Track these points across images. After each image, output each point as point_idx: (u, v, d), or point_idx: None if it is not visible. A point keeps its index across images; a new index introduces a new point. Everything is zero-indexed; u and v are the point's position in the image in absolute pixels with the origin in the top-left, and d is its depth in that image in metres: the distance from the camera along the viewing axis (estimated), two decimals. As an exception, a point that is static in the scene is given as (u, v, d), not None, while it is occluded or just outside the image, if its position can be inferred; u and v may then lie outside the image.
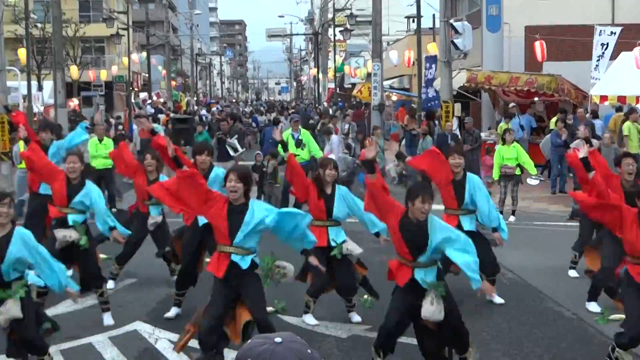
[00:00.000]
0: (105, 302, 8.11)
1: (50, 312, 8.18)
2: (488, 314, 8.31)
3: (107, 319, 8.08)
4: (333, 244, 7.87)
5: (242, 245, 6.17)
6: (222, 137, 16.47)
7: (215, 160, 16.75)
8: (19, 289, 6.02)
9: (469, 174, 8.46)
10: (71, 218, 7.89)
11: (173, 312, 8.30)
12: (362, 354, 6.94)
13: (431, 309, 5.93)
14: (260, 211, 6.16)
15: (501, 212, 13.60)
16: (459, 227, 8.04)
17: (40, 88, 30.98)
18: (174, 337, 7.42)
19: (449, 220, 7.88)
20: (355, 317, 8.19)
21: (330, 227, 7.92)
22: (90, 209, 8.00)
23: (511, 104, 21.22)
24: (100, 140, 15.84)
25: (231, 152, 16.35)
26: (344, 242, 7.95)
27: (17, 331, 6.07)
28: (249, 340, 2.25)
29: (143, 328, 7.98)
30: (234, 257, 6.19)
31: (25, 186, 14.93)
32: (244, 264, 6.21)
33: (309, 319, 8.09)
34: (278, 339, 2.21)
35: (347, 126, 22.55)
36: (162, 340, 7.57)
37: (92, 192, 7.93)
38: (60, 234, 7.78)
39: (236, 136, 17.88)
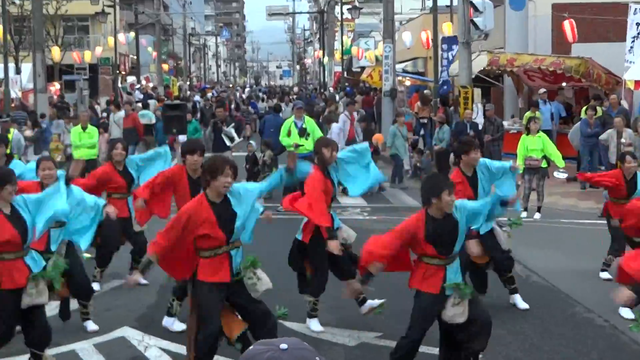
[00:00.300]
0: (86, 313, 8.12)
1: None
2: (511, 320, 8.30)
3: (90, 325, 8.10)
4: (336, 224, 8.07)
5: (237, 239, 6.37)
6: (219, 124, 16.48)
7: (211, 151, 16.83)
8: (52, 270, 6.54)
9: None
10: (53, 237, 7.69)
11: (178, 327, 7.94)
12: None
13: (453, 311, 6.13)
14: (243, 191, 6.38)
15: (525, 209, 13.64)
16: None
17: (18, 71, 31.00)
18: (165, 344, 7.45)
19: None
20: (370, 303, 8.21)
21: (334, 212, 8.15)
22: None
23: (541, 90, 21.12)
24: (84, 129, 15.89)
25: (227, 142, 16.38)
26: (338, 229, 8.02)
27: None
28: (251, 347, 2.23)
29: (131, 334, 7.99)
30: (233, 253, 6.33)
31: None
32: (239, 257, 6.40)
33: (315, 325, 8.09)
34: (283, 345, 2.18)
35: (355, 114, 22.50)
36: (152, 348, 7.58)
37: (72, 192, 7.75)
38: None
39: (233, 124, 17.90)
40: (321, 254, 7.86)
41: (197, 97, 39.45)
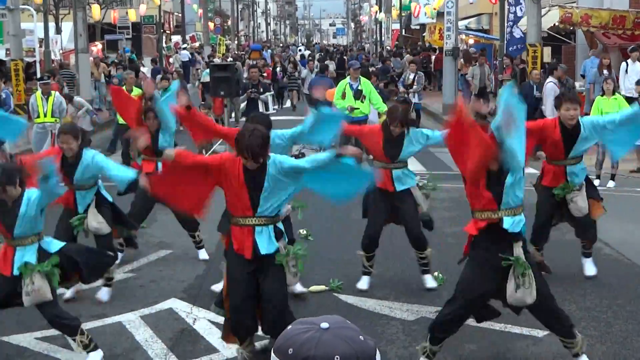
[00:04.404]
0: (109, 279, 8.30)
1: (74, 287, 8.42)
2: (579, 296, 8.24)
3: (103, 294, 8.30)
4: (398, 187, 8.23)
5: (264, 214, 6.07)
6: (253, 91, 16.38)
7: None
8: (45, 266, 6.52)
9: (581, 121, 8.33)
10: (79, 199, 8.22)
11: None
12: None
13: (518, 295, 6.03)
14: (282, 161, 6.04)
15: (598, 177, 13.48)
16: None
17: (58, 31, 31.38)
18: (214, 317, 7.56)
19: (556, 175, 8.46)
20: (430, 282, 8.38)
21: (394, 170, 8.24)
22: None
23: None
24: (130, 92, 16.04)
25: (261, 108, 16.37)
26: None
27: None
28: (289, 327, 2.22)
29: (179, 306, 8.13)
30: (258, 230, 6.08)
31: (43, 142, 15.33)
32: (266, 235, 6.11)
33: (362, 283, 8.43)
34: (324, 324, 2.17)
35: (411, 76, 22.29)
36: (201, 320, 7.70)
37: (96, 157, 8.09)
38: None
39: (272, 92, 17.92)
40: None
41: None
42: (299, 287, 8.16)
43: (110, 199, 8.39)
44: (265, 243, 6.06)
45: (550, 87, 16.87)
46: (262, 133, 5.87)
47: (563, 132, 8.25)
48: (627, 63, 18.24)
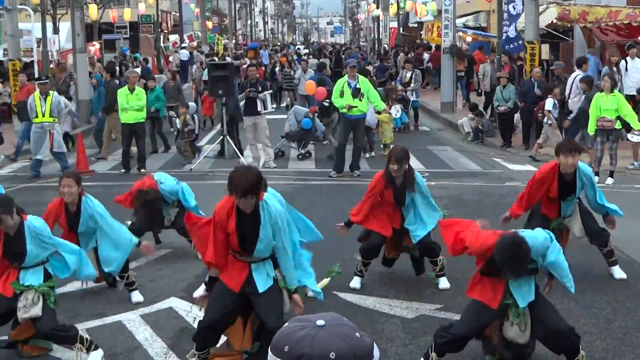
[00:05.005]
0: (129, 284, 8.32)
1: (72, 285, 8.44)
2: (579, 293, 8.22)
3: (135, 296, 8.29)
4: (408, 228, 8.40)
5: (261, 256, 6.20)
6: (252, 90, 16.42)
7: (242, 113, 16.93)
8: (43, 286, 6.68)
9: (579, 168, 8.42)
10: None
11: None
12: (431, 338, 6.97)
13: (515, 331, 6.16)
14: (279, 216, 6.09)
15: (597, 174, 13.47)
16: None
17: (56, 30, 31.37)
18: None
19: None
20: (443, 283, 8.44)
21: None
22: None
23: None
24: (132, 90, 16.03)
25: (259, 107, 16.39)
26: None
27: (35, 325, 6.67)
28: (286, 324, 2.23)
29: (179, 305, 8.15)
30: (254, 267, 6.19)
31: (42, 142, 15.32)
32: (263, 270, 6.22)
33: (354, 283, 8.51)
34: (320, 322, 2.18)
35: (408, 74, 22.32)
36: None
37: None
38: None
39: (270, 91, 17.91)
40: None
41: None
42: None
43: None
44: (263, 280, 6.14)
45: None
46: (258, 172, 5.97)
47: (560, 182, 8.37)
48: (626, 61, 18.24)
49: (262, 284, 6.13)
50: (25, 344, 6.91)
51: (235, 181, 5.84)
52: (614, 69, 18.12)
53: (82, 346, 6.63)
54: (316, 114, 17.20)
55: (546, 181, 8.39)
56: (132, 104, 15.80)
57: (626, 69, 18.07)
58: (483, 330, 6.40)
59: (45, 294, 6.64)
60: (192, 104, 18.61)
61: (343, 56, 33.29)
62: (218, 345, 6.52)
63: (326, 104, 17.02)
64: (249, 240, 6.06)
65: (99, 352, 6.71)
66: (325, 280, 8.41)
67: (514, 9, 21.54)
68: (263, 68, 29.86)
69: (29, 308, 6.56)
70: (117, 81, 19.69)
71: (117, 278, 8.40)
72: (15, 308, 6.64)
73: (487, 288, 6.21)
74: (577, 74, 17.14)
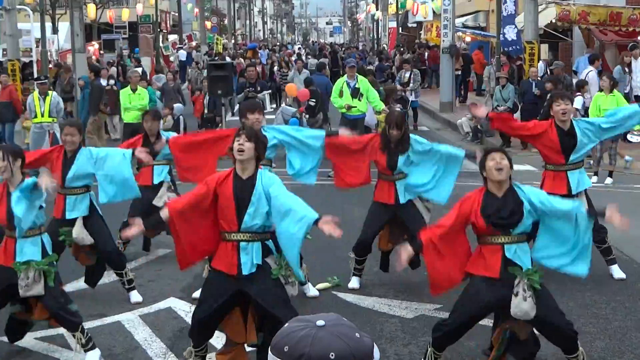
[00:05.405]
0: (127, 282, 8.29)
1: (72, 286, 8.43)
2: (578, 293, 8.24)
3: (134, 296, 8.27)
4: (402, 199, 8.24)
5: (251, 229, 5.96)
6: (250, 90, 16.42)
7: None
8: (43, 264, 6.59)
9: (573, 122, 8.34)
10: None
11: None
12: (430, 337, 6.97)
13: (524, 306, 5.85)
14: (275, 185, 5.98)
15: (596, 174, 13.49)
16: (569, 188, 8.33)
17: (55, 30, 31.39)
18: (214, 315, 7.54)
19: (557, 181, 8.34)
20: None
21: (398, 182, 8.25)
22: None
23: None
24: (134, 90, 16.05)
25: None
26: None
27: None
28: (286, 324, 2.24)
29: (178, 305, 8.14)
30: (243, 246, 5.97)
31: (41, 142, 15.32)
32: (257, 251, 6.00)
33: (353, 283, 8.47)
34: (320, 322, 2.19)
35: (407, 74, 22.30)
36: (200, 319, 7.70)
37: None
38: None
39: (269, 91, 17.92)
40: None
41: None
42: (312, 291, 8.27)
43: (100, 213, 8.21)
44: (249, 264, 5.91)
45: (592, 76, 16.91)
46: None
47: (559, 133, 8.26)
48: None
49: (247, 268, 5.90)
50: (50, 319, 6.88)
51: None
52: (626, 69, 18.13)
53: (82, 336, 6.61)
54: (304, 114, 17.20)
55: (543, 133, 8.26)
56: (134, 104, 15.81)
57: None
58: (479, 318, 6.30)
59: (46, 272, 6.59)
60: (178, 105, 18.55)
61: (343, 56, 33.31)
62: (219, 347, 6.50)
63: (312, 104, 17.03)
64: (244, 208, 5.87)
65: (97, 352, 6.71)
66: (325, 284, 8.44)
67: (506, 10, 21.51)
68: (262, 67, 29.76)
69: (31, 286, 6.53)
70: (102, 81, 19.72)
71: (116, 277, 8.40)
72: (15, 284, 6.57)
73: (484, 259, 6.08)
74: (590, 69, 17.23)
